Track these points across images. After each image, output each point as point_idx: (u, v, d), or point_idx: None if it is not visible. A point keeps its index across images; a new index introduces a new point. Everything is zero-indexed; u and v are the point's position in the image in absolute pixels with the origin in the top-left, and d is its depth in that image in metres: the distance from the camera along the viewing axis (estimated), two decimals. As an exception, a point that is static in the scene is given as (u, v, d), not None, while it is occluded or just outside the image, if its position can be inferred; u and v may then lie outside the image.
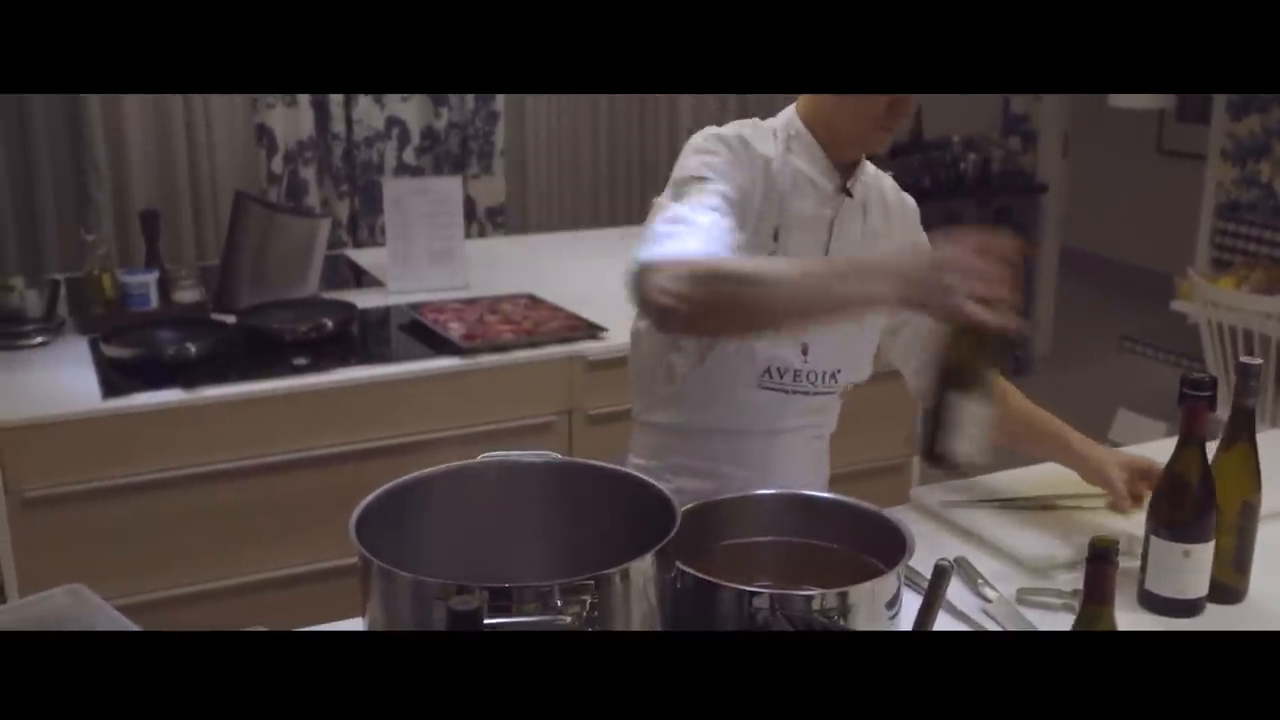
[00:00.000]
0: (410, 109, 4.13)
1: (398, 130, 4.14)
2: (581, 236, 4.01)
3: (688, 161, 1.57)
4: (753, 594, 1.24)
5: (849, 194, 1.68)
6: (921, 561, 1.36)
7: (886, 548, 1.34)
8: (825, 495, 1.53)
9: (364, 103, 4.07)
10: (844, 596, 1.24)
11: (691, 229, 1.44)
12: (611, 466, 1.41)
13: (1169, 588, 1.51)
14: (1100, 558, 1.15)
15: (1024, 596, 1.55)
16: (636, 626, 1.16)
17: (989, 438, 1.35)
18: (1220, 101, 5.05)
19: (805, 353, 1.66)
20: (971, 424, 1.33)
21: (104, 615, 1.36)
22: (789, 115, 1.67)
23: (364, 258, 3.50)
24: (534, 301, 2.93)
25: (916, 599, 1.28)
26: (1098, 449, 1.76)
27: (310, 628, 1.44)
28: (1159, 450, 1.60)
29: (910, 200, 1.81)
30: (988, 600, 1.55)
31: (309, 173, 4.03)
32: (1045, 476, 1.84)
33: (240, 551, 2.43)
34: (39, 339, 2.63)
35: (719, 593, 1.25)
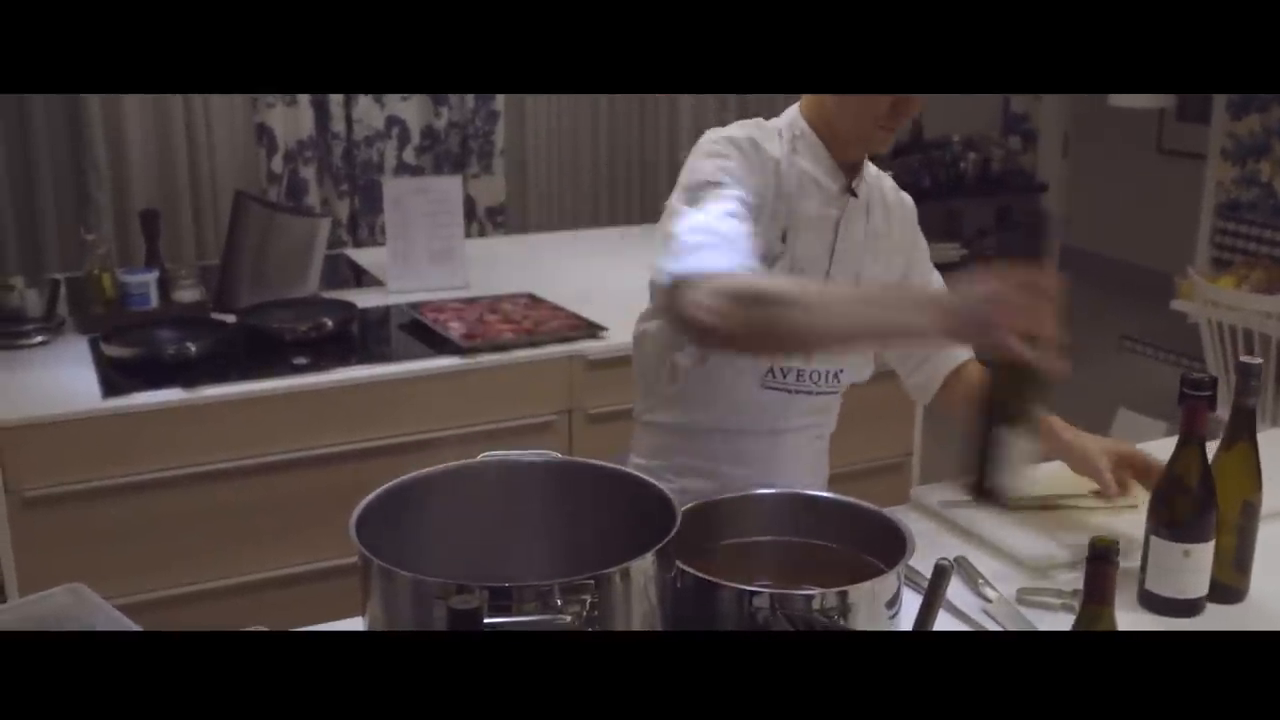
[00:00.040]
0: (410, 108, 4.14)
1: (398, 130, 4.14)
2: (581, 236, 4.01)
3: (701, 165, 1.56)
4: (753, 593, 1.24)
5: (854, 194, 1.68)
6: (921, 561, 1.36)
7: (886, 547, 1.34)
8: (825, 495, 1.53)
9: (364, 102, 4.07)
10: (844, 596, 1.24)
11: (721, 240, 1.44)
12: (612, 466, 1.40)
13: (1169, 587, 1.51)
14: (1100, 558, 1.15)
15: (1024, 596, 1.55)
16: (637, 626, 1.16)
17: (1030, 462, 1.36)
18: (1220, 101, 5.05)
19: None
20: (1019, 459, 1.35)
21: (104, 615, 1.36)
22: (793, 115, 1.67)
23: (364, 257, 3.50)
24: (534, 301, 2.93)
25: (916, 599, 1.28)
26: (1084, 436, 1.75)
27: (310, 627, 1.44)
28: (1159, 450, 1.60)
29: (909, 199, 1.82)
30: (988, 600, 1.54)
31: (309, 172, 4.03)
32: (1045, 476, 1.84)
33: (240, 551, 2.43)
34: (39, 338, 2.63)
35: (719, 592, 1.25)
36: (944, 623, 1.43)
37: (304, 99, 3.97)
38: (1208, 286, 3.91)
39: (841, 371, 1.70)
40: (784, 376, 1.66)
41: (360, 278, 3.25)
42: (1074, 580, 1.54)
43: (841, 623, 1.23)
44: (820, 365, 1.68)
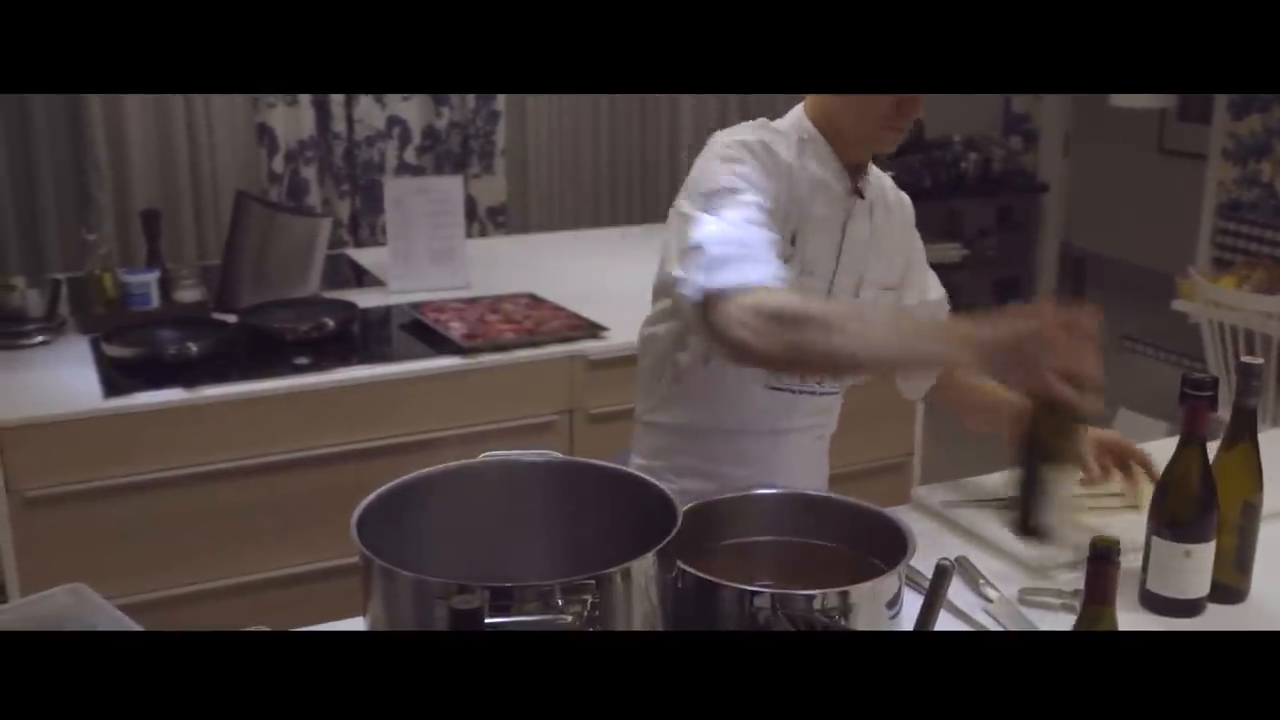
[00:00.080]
0: (411, 108, 4.14)
1: (399, 130, 4.14)
2: (582, 236, 4.01)
3: (716, 170, 1.54)
4: (754, 593, 1.24)
5: (861, 195, 1.68)
6: (922, 561, 1.36)
7: (887, 547, 1.34)
8: (826, 495, 1.53)
9: (365, 102, 4.07)
10: (845, 596, 1.24)
11: (749, 251, 1.44)
12: (613, 466, 1.40)
13: (1170, 588, 1.51)
14: (1101, 558, 1.15)
15: (1025, 596, 1.55)
16: (638, 626, 1.16)
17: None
18: (1221, 101, 5.05)
19: None
20: (1063, 497, 1.35)
21: (105, 614, 1.36)
22: (798, 116, 1.66)
23: (365, 257, 3.50)
24: (535, 301, 2.93)
25: (918, 599, 1.28)
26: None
27: (311, 627, 1.44)
28: (1160, 450, 1.60)
29: (907, 199, 1.82)
30: (989, 600, 1.55)
31: (310, 172, 4.03)
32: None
33: (241, 551, 2.43)
34: (40, 338, 2.63)
35: (720, 592, 1.25)
36: (945, 623, 1.43)
37: (305, 99, 3.97)
38: (1209, 287, 3.91)
39: None
40: (788, 377, 1.66)
41: (361, 278, 3.25)
42: (1075, 580, 1.53)
43: (843, 623, 1.23)
44: None
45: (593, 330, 2.70)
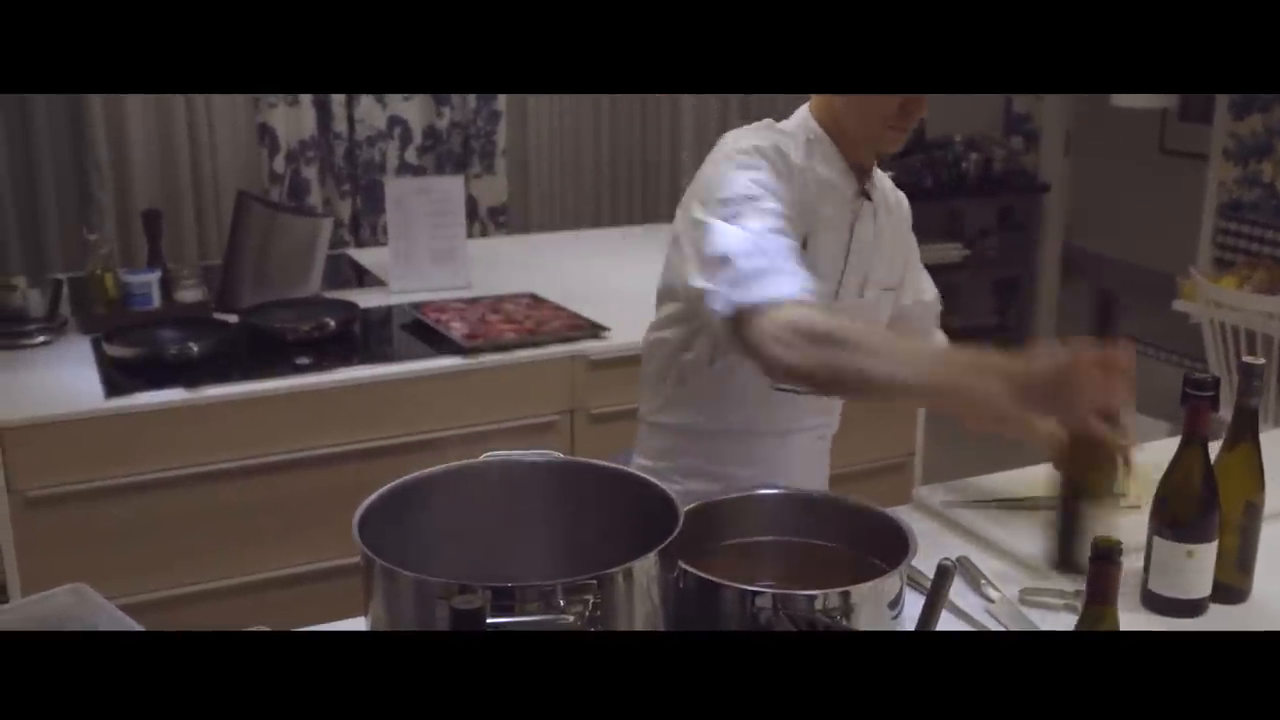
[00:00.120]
0: (412, 109, 4.13)
1: (400, 130, 4.13)
2: (583, 236, 4.01)
3: (733, 177, 1.53)
4: (755, 594, 1.24)
5: (869, 198, 1.68)
6: (924, 561, 1.36)
7: (889, 548, 1.34)
8: (827, 495, 1.53)
9: (366, 102, 4.07)
10: (846, 596, 1.24)
11: (778, 264, 1.45)
12: (614, 466, 1.41)
13: (1172, 588, 1.51)
14: (1103, 558, 1.15)
15: (1027, 597, 1.55)
16: (639, 626, 1.16)
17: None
18: (1222, 101, 5.04)
19: None
20: (1101, 521, 1.38)
21: (107, 615, 1.36)
22: (803, 117, 1.66)
23: (366, 257, 3.50)
24: (536, 301, 2.93)
25: (919, 599, 1.28)
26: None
27: (312, 627, 1.44)
28: (1162, 450, 1.60)
29: (904, 198, 1.82)
30: (990, 600, 1.54)
31: (311, 172, 4.02)
32: (1048, 476, 1.84)
33: (243, 551, 2.43)
34: (41, 338, 2.63)
35: (722, 592, 1.25)
36: (946, 623, 1.43)
37: (306, 99, 3.96)
38: (1210, 287, 3.91)
39: None
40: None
41: (362, 278, 3.25)
42: (1077, 581, 1.53)
43: (844, 623, 1.23)
44: None
45: (594, 330, 2.70)
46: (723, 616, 1.25)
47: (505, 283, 3.09)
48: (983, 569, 1.61)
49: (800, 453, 1.76)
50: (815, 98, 1.66)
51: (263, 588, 2.45)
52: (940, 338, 1.93)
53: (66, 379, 2.42)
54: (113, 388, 2.36)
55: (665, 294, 1.71)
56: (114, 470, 2.30)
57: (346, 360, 2.54)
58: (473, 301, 2.91)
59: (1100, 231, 6.87)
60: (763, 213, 1.49)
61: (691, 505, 1.36)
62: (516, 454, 1.38)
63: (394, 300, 2.98)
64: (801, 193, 1.58)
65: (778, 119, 1.68)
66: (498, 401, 2.57)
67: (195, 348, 2.47)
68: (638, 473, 1.39)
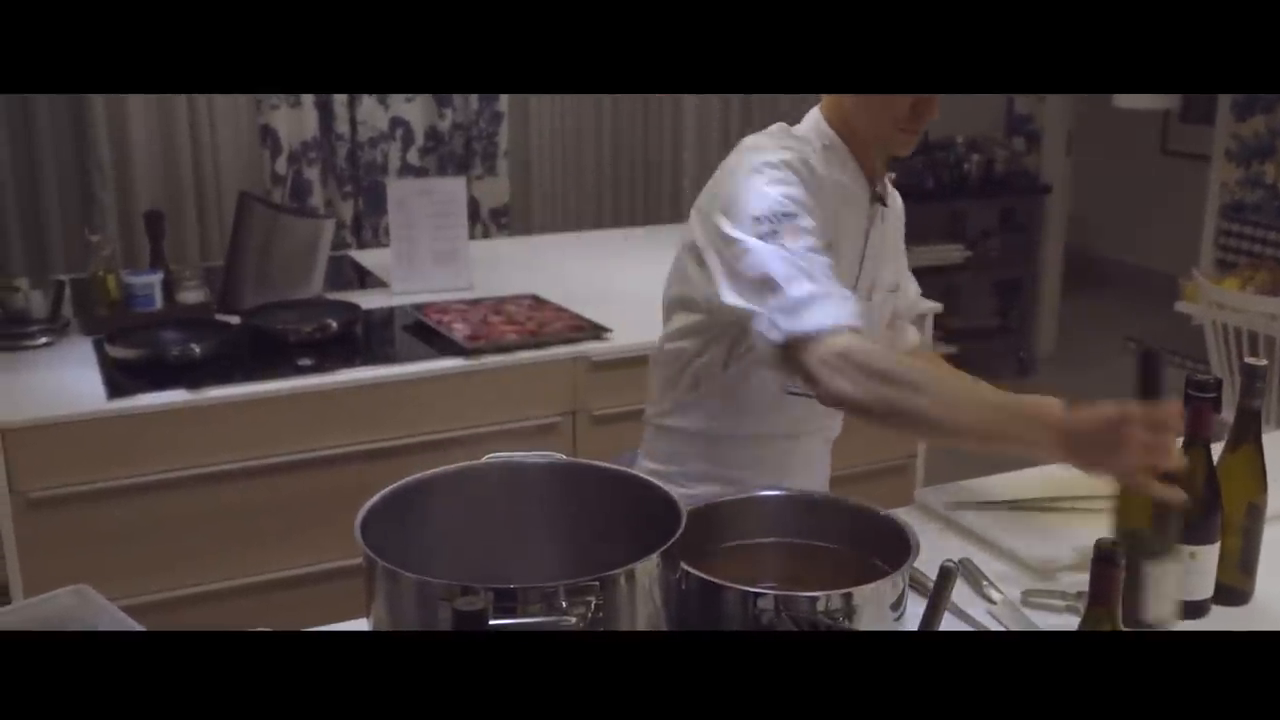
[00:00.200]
0: (414, 110, 4.13)
1: (402, 131, 4.14)
2: (585, 237, 4.01)
3: (765, 192, 1.51)
4: (757, 595, 1.24)
5: (884, 203, 1.68)
6: (926, 563, 1.35)
7: (891, 549, 1.34)
8: (829, 496, 1.53)
9: (368, 103, 4.07)
10: (849, 598, 1.24)
11: (827, 287, 1.46)
12: (616, 467, 1.40)
13: (1174, 589, 1.50)
14: (1105, 559, 1.15)
15: (1029, 598, 1.55)
16: (641, 628, 1.16)
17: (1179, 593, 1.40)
18: (1225, 102, 5.04)
19: None
20: (1165, 585, 1.38)
21: (109, 616, 1.36)
22: (816, 121, 1.64)
23: (368, 258, 3.50)
24: (538, 302, 2.93)
25: (921, 601, 1.28)
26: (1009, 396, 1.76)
27: (314, 628, 1.44)
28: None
29: (898, 196, 1.82)
30: (993, 602, 1.54)
31: (313, 173, 4.03)
32: (1049, 478, 1.84)
33: (245, 552, 2.43)
34: (44, 340, 2.63)
35: (724, 594, 1.25)
36: (948, 625, 1.43)
37: (308, 100, 3.96)
38: (1212, 288, 3.91)
39: None
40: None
41: (364, 279, 3.26)
42: (1079, 582, 1.53)
43: (846, 625, 1.23)
44: None
45: (596, 331, 2.70)
46: (725, 618, 1.25)
47: (507, 284, 3.09)
48: (985, 571, 1.61)
49: (808, 456, 1.77)
50: (825, 100, 1.65)
51: (265, 589, 2.45)
52: (913, 333, 1.92)
53: (68, 380, 2.42)
54: (115, 389, 2.36)
55: (679, 304, 1.69)
56: (116, 471, 2.30)
57: (348, 361, 2.54)
58: (475, 303, 2.91)
59: (1102, 233, 6.87)
60: (800, 231, 1.49)
61: (693, 507, 1.36)
62: (518, 455, 1.38)
63: (396, 301, 2.98)
64: (824, 202, 1.57)
65: (781, 119, 1.68)
66: (500, 403, 2.58)
67: (197, 349, 2.47)
68: (640, 474, 1.39)
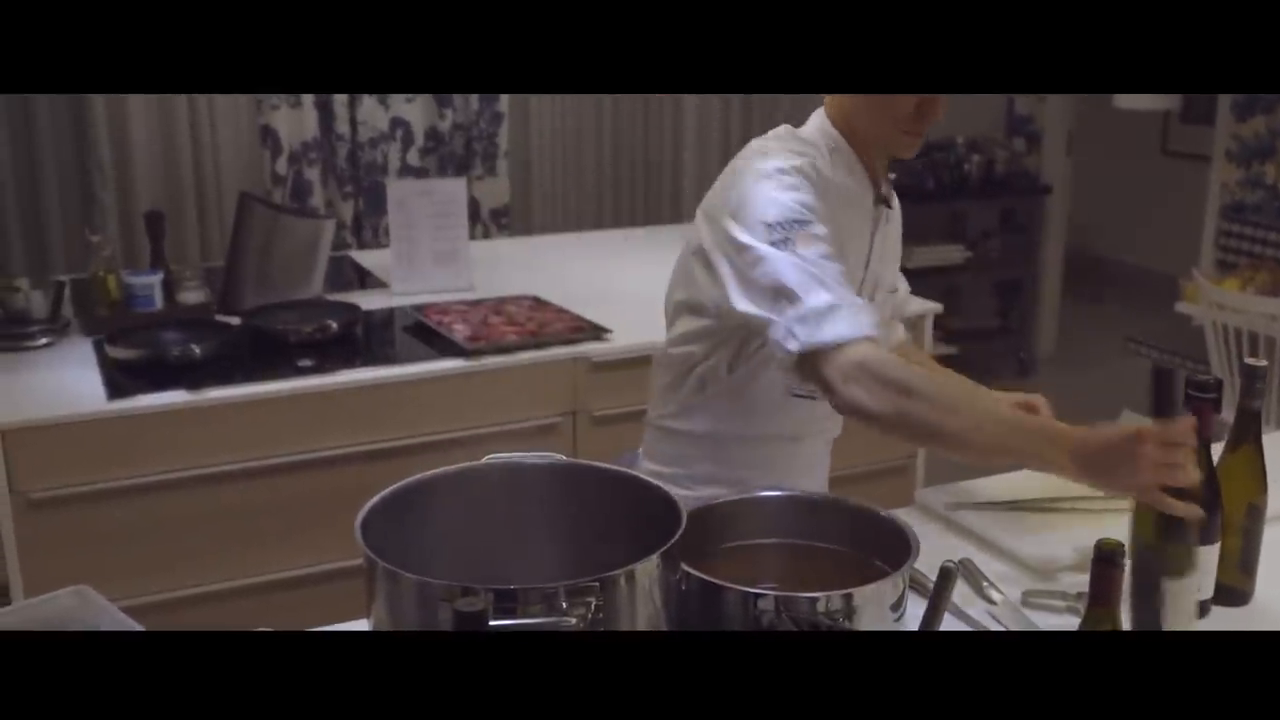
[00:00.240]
0: (415, 110, 4.14)
1: (402, 131, 4.14)
2: (586, 238, 4.01)
3: (777, 198, 1.51)
4: (757, 596, 1.24)
5: (889, 205, 1.68)
6: (926, 564, 1.35)
7: (891, 550, 1.34)
8: (829, 497, 1.53)
9: (368, 104, 4.07)
10: (849, 599, 1.24)
11: (842, 295, 1.46)
12: (616, 468, 1.40)
13: (1175, 590, 1.50)
14: (1106, 560, 1.15)
15: (1029, 599, 1.55)
16: (641, 628, 1.16)
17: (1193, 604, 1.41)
18: (1225, 103, 5.04)
19: None
20: (1183, 601, 1.38)
21: (109, 617, 1.36)
22: (821, 123, 1.64)
23: (368, 259, 3.50)
24: (538, 303, 2.93)
25: (921, 602, 1.28)
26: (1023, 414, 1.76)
27: (315, 629, 1.44)
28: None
29: (896, 198, 1.82)
30: (993, 603, 1.54)
31: (313, 174, 4.03)
32: (1049, 479, 1.84)
33: (245, 553, 2.43)
34: (44, 340, 2.63)
35: (724, 595, 1.25)
36: (949, 625, 1.43)
37: (308, 101, 3.97)
38: (1212, 289, 3.91)
39: None
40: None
41: (364, 280, 3.26)
42: (1079, 583, 1.53)
43: (846, 625, 1.23)
44: None
45: (596, 332, 2.70)
46: (725, 619, 1.25)
47: (507, 284, 3.09)
48: (985, 571, 1.61)
49: (811, 457, 1.77)
50: (829, 101, 1.65)
51: (265, 590, 2.45)
52: (900, 331, 1.93)
53: (69, 381, 2.42)
54: (115, 389, 2.36)
55: (685, 308, 1.68)
56: (116, 472, 2.30)
57: (349, 362, 2.54)
58: (475, 303, 2.91)
59: (1103, 233, 6.87)
60: (813, 238, 1.48)
61: (693, 508, 1.36)
62: (519, 456, 1.38)
63: (396, 302, 2.98)
64: (832, 206, 1.57)
65: (782, 119, 1.67)
66: (500, 404, 2.58)
67: (197, 349, 2.48)
68: (640, 475, 1.38)
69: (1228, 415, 1.57)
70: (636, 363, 2.56)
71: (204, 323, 2.70)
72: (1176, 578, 1.37)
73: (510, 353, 2.60)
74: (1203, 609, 1.51)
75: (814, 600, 1.23)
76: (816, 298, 1.44)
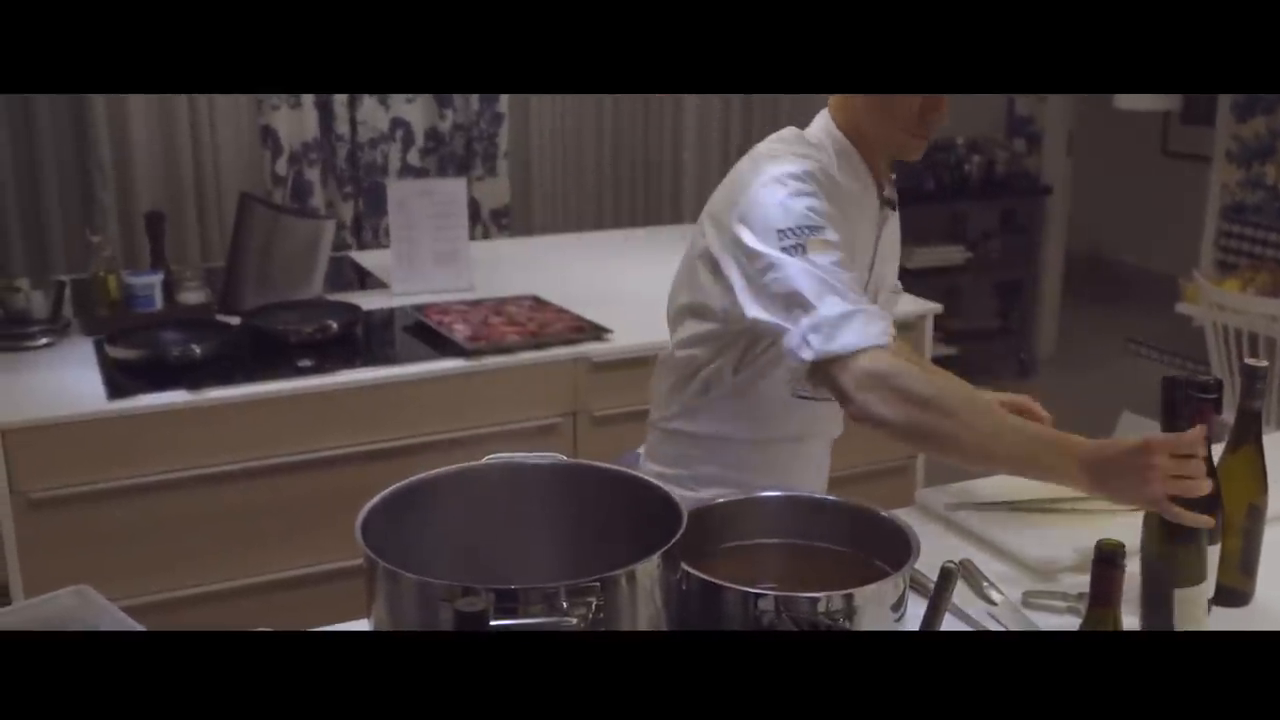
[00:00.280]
0: (415, 110, 4.14)
1: (402, 132, 4.14)
2: (586, 238, 4.01)
3: (789, 204, 1.50)
4: (758, 596, 1.24)
5: (893, 207, 1.68)
6: (926, 564, 1.35)
7: (891, 550, 1.34)
8: (829, 497, 1.52)
9: (368, 104, 4.07)
10: (849, 599, 1.24)
11: (855, 302, 1.46)
12: (616, 468, 1.40)
13: (1175, 591, 1.50)
14: (1107, 560, 1.15)
15: (1029, 599, 1.55)
16: (642, 628, 1.16)
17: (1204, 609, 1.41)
18: (1225, 103, 5.04)
19: None
20: (1194, 611, 1.38)
21: (110, 616, 1.36)
22: (826, 125, 1.63)
23: (368, 259, 3.50)
24: (538, 303, 2.93)
25: (922, 602, 1.28)
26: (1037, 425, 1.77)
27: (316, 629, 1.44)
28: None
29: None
30: (993, 603, 1.54)
31: (314, 174, 4.03)
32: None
33: (245, 553, 2.43)
34: (44, 340, 2.63)
35: (725, 595, 1.25)
36: (949, 626, 1.42)
37: (308, 101, 3.97)
38: (1212, 289, 3.91)
39: None
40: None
41: (365, 280, 3.26)
42: (1079, 583, 1.53)
43: (847, 625, 1.23)
44: None
45: (596, 332, 2.70)
46: (725, 619, 1.25)
47: (508, 285, 3.09)
48: (985, 572, 1.61)
49: (812, 458, 1.77)
50: (833, 102, 1.64)
51: (265, 590, 2.45)
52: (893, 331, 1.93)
53: (69, 381, 2.42)
54: (115, 390, 2.36)
55: (690, 312, 1.67)
56: (116, 472, 2.30)
57: (349, 362, 2.54)
58: (475, 304, 2.91)
59: (1103, 234, 6.87)
60: (826, 245, 1.48)
61: (693, 508, 1.36)
62: (519, 456, 1.38)
63: (396, 302, 2.98)
64: (840, 210, 1.57)
65: (782, 119, 1.67)
66: (500, 404, 2.58)
67: (198, 350, 2.48)
68: (640, 475, 1.38)
69: (1228, 416, 1.57)
70: (637, 363, 2.56)
71: (204, 323, 2.70)
72: (1187, 587, 1.38)
73: (510, 353, 2.60)
74: (1203, 610, 1.51)
75: (814, 600, 1.23)
76: (830, 306, 1.44)
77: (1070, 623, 1.49)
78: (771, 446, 1.71)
